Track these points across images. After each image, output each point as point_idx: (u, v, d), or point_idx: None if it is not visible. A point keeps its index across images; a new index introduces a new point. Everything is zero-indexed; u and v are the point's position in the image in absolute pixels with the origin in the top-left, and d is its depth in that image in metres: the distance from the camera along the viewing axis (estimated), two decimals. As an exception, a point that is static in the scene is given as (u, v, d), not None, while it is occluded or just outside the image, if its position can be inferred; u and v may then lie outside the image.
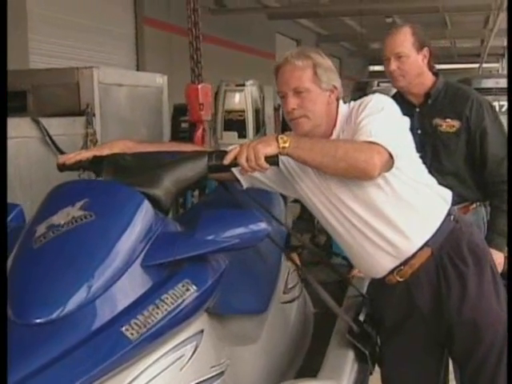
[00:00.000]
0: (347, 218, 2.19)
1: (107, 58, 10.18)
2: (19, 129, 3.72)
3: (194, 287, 1.63)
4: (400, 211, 2.17)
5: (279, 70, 2.19)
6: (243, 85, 7.08)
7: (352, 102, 2.24)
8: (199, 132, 3.54)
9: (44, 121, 3.91)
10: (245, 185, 2.30)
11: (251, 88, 7.14)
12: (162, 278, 1.62)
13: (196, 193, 5.74)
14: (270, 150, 1.93)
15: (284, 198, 3.00)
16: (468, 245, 2.25)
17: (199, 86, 3.53)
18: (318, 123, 2.17)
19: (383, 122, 2.06)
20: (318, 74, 2.15)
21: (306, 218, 5.67)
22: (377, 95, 2.21)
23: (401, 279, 2.24)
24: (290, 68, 2.15)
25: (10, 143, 3.42)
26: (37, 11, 8.56)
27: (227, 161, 1.95)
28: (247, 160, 1.92)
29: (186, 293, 1.60)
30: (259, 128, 7.15)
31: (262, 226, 1.72)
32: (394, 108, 2.18)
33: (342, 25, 19.73)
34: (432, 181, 2.30)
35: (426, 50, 2.93)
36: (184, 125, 7.95)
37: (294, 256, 2.87)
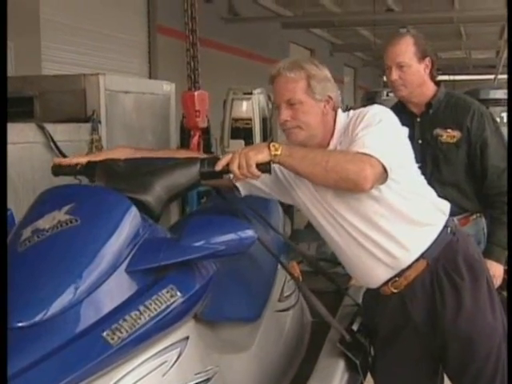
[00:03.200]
0: (343, 226, 2.19)
1: (120, 65, 10.25)
2: (23, 134, 3.74)
3: (179, 293, 1.63)
4: (395, 223, 2.16)
5: (273, 81, 2.20)
6: (251, 93, 7.07)
7: (351, 112, 2.23)
8: (195, 139, 3.56)
9: (49, 127, 3.93)
10: (243, 192, 2.30)
11: (259, 96, 7.13)
12: (147, 283, 1.62)
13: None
14: (262, 157, 1.94)
15: (291, 206, 2.99)
16: (464, 258, 2.24)
17: (196, 93, 3.55)
18: (313, 133, 2.17)
19: (379, 133, 2.05)
20: (312, 85, 2.14)
21: (314, 227, 5.64)
22: (375, 106, 2.20)
23: (395, 290, 2.23)
24: (283, 80, 2.16)
25: (14, 148, 3.45)
26: (50, 18, 8.65)
27: (219, 167, 1.96)
28: (239, 167, 1.93)
29: (170, 299, 1.60)
30: (266, 136, 7.14)
31: (249, 233, 1.72)
32: (391, 119, 2.16)
33: (355, 35, 19.75)
34: (430, 192, 2.28)
35: (427, 60, 2.92)
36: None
37: (294, 265, 2.87)
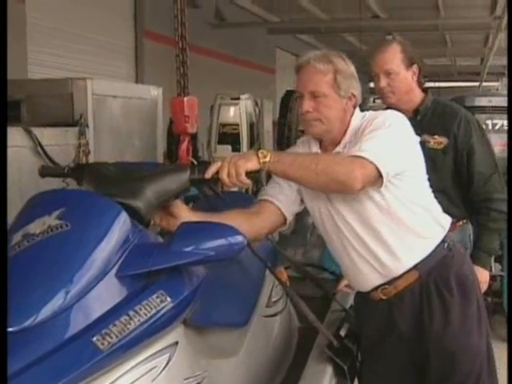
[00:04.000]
0: (341, 228, 2.21)
1: (106, 69, 10.22)
2: (10, 138, 3.72)
3: (169, 299, 1.63)
4: (394, 231, 2.17)
5: (300, 70, 2.19)
6: (238, 98, 7.09)
7: (368, 113, 2.23)
8: (184, 145, 3.56)
9: (36, 131, 3.92)
10: (289, 216, 2.30)
11: (246, 102, 7.15)
12: (137, 288, 1.62)
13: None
14: (251, 165, 1.94)
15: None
16: (457, 275, 2.25)
17: (185, 99, 3.56)
18: (330, 129, 2.18)
19: (383, 138, 2.05)
20: (338, 80, 2.15)
21: (300, 233, 5.67)
22: (389, 111, 2.22)
23: (384, 297, 2.25)
24: (311, 70, 2.15)
25: (1, 152, 3.42)
26: (36, 22, 8.61)
27: (209, 175, 1.96)
28: (228, 175, 1.93)
29: (160, 304, 1.61)
30: (253, 142, 7.16)
31: (239, 238, 1.73)
32: (402, 126, 2.16)
33: (342, 41, 19.80)
34: (433, 206, 2.29)
35: (415, 67, 2.95)
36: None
37: (282, 270, 2.87)
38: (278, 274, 2.65)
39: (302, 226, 5.90)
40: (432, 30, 16.32)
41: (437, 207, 2.30)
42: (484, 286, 2.78)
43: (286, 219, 2.29)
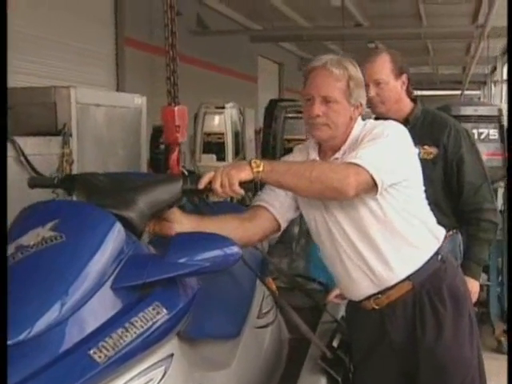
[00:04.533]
0: (335, 235, 2.23)
1: (87, 77, 10.18)
2: (-7, 147, 3.70)
3: (165, 310, 1.63)
4: (389, 240, 2.19)
5: (313, 72, 2.21)
6: (223, 107, 7.10)
7: (369, 122, 2.27)
8: (175, 155, 3.56)
9: (19, 140, 3.90)
10: (283, 224, 2.31)
11: (231, 111, 7.18)
12: (133, 300, 1.62)
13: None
14: (244, 175, 1.95)
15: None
16: (449, 287, 2.27)
17: (176, 108, 3.56)
18: (336, 135, 2.20)
19: (380, 147, 2.08)
20: (351, 87, 2.17)
21: (285, 242, 5.68)
22: (390, 122, 2.24)
23: (376, 307, 2.26)
24: (326, 74, 2.17)
25: (-16, 162, 3.40)
26: (17, 29, 8.57)
27: (201, 185, 1.97)
28: (221, 185, 1.94)
29: (156, 316, 1.61)
30: (238, 151, 7.18)
31: (235, 249, 1.74)
32: (401, 137, 2.18)
33: (324, 49, 19.86)
34: (429, 217, 2.31)
35: (404, 77, 2.98)
36: (163, 146, 7.98)
37: (270, 281, 2.89)
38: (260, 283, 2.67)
39: (287, 235, 5.92)
40: (414, 39, 16.46)
41: (432, 219, 2.32)
42: (474, 297, 2.80)
43: (279, 226, 2.30)
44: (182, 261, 1.66)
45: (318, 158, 2.27)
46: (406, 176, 2.16)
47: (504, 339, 4.81)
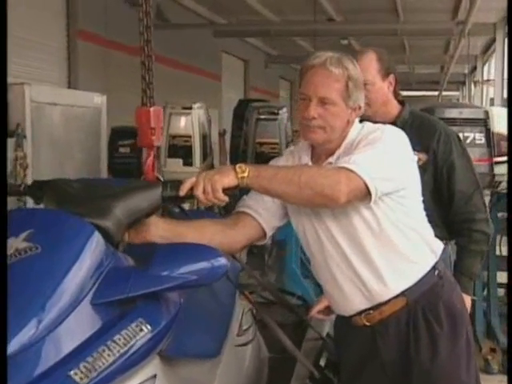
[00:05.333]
0: (325, 245, 2.25)
1: (34, 73, 10.04)
2: None
3: (149, 327, 1.64)
4: (384, 253, 2.22)
5: (310, 70, 2.21)
6: (190, 108, 7.08)
7: (366, 125, 2.28)
8: (150, 159, 3.57)
9: (-31, 142, 3.87)
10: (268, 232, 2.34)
11: (198, 111, 7.16)
12: (114, 316, 1.63)
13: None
14: (228, 181, 1.96)
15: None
16: (446, 304, 2.29)
17: (151, 109, 3.57)
18: (331, 139, 2.22)
19: (376, 153, 2.10)
20: (350, 89, 2.18)
21: (256, 253, 5.71)
22: (388, 126, 2.26)
23: (367, 323, 2.28)
24: (325, 73, 2.18)
25: None
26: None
27: (183, 192, 1.98)
28: (204, 192, 1.96)
29: (139, 333, 1.62)
30: (206, 155, 7.17)
31: (222, 261, 1.76)
32: (399, 143, 2.20)
33: (293, 45, 20.05)
34: (426, 230, 2.35)
35: (391, 77, 3.01)
36: (123, 150, 7.97)
37: (247, 295, 2.91)
38: (242, 299, 2.69)
39: (259, 246, 5.93)
40: (390, 35, 16.65)
41: (430, 231, 2.36)
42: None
43: (265, 234, 2.32)
44: (166, 274, 1.68)
45: (310, 163, 2.29)
46: (404, 185, 2.19)
47: (491, 358, 4.89)
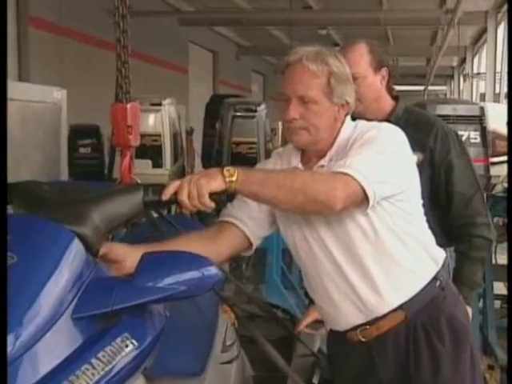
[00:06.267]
0: (317, 255, 2.27)
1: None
2: None
3: (135, 343, 1.66)
4: (380, 264, 2.24)
5: (288, 68, 2.24)
6: (160, 104, 7.07)
7: (360, 123, 2.31)
8: (126, 160, 3.57)
9: None
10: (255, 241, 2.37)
11: (169, 108, 7.15)
12: (97, 331, 1.64)
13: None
14: (216, 185, 1.98)
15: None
16: (448, 318, 2.32)
17: (128, 106, 3.57)
18: (318, 139, 2.25)
19: (373, 154, 2.12)
20: (332, 84, 2.21)
21: (233, 263, 5.74)
22: (384, 124, 2.29)
23: (363, 339, 2.30)
24: (302, 70, 2.21)
25: None
26: None
27: (166, 196, 1.99)
28: (189, 197, 1.97)
29: (124, 349, 1.63)
30: (177, 156, 7.16)
31: (212, 271, 1.78)
32: (398, 142, 2.24)
33: (267, 35, 20.13)
34: (427, 237, 2.38)
35: (384, 71, 3.05)
36: (83, 150, 7.97)
37: (227, 309, 2.93)
38: (222, 312, 2.72)
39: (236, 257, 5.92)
40: (372, 25, 16.82)
41: (431, 239, 2.39)
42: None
43: (251, 244, 2.35)
44: (152, 284, 1.69)
45: (300, 165, 2.32)
46: (403, 187, 2.22)
47: (489, 376, 4.95)
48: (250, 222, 2.33)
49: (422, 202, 2.36)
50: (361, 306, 2.27)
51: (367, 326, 2.29)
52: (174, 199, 2.01)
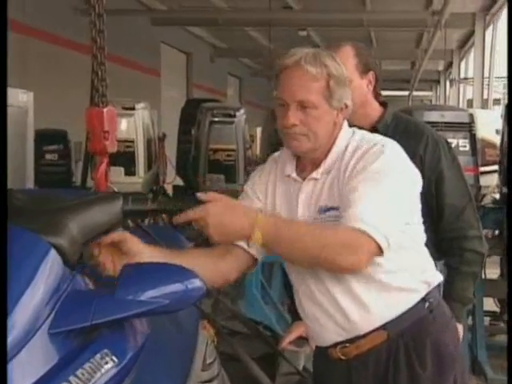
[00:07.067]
0: (303, 272, 2.31)
1: None
2: None
3: (115, 359, 1.66)
4: (366, 287, 2.26)
5: (284, 71, 2.25)
6: (133, 108, 7.07)
7: (357, 132, 2.35)
8: (102, 167, 3.56)
9: None
10: None
11: (142, 112, 7.16)
12: (75, 347, 1.64)
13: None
14: (236, 239, 2.16)
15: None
16: (434, 342, 2.31)
17: (104, 110, 3.57)
18: (317, 146, 2.27)
19: (382, 198, 2.15)
20: (331, 87, 2.22)
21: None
22: (386, 143, 2.28)
23: (343, 357, 2.32)
24: (300, 74, 2.22)
25: None
26: None
27: (180, 220, 2.08)
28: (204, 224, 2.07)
29: (104, 366, 1.63)
30: (151, 163, 7.16)
31: (197, 283, 1.78)
32: (402, 169, 2.27)
33: (244, 36, 20.17)
34: (422, 255, 2.40)
35: (371, 75, 3.08)
36: (50, 156, 7.94)
37: (205, 324, 2.94)
38: (201, 328, 2.73)
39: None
40: (355, 26, 16.91)
41: (427, 261, 2.41)
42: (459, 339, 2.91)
43: (256, 260, 2.38)
44: (134, 298, 1.70)
45: (294, 174, 2.34)
46: (408, 220, 2.27)
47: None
48: None
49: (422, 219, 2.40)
50: (341, 322, 2.29)
51: (347, 344, 2.30)
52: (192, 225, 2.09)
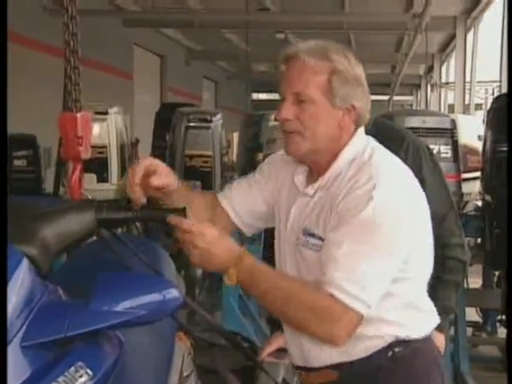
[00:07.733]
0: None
1: None
2: None
3: (90, 372, 1.66)
4: None
5: (285, 63, 2.17)
6: (105, 113, 7.06)
7: (369, 147, 2.22)
8: (76, 174, 3.56)
9: None
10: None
11: (116, 117, 7.17)
12: (49, 361, 1.64)
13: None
14: (212, 269, 2.16)
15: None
16: None
17: (78, 115, 3.57)
18: (316, 149, 2.14)
19: (364, 258, 2.02)
20: (333, 83, 2.10)
21: (186, 287, 5.73)
22: (378, 184, 2.08)
23: (298, 382, 2.40)
24: (299, 65, 2.12)
25: None
26: None
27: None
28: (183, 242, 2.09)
29: (79, 379, 1.64)
30: (125, 169, 7.16)
31: (174, 293, 1.80)
32: (391, 216, 2.08)
33: (220, 39, 20.20)
34: (424, 304, 2.32)
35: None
36: (18, 162, 7.91)
37: (181, 336, 2.95)
38: (177, 340, 2.73)
39: (188, 278, 5.94)
40: (334, 29, 17.01)
41: (412, 310, 2.25)
42: (440, 351, 2.93)
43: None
44: (109, 309, 1.70)
45: (299, 179, 2.26)
46: (401, 275, 2.14)
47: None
48: (243, 214, 2.38)
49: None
50: (301, 350, 2.26)
51: (302, 372, 2.30)
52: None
